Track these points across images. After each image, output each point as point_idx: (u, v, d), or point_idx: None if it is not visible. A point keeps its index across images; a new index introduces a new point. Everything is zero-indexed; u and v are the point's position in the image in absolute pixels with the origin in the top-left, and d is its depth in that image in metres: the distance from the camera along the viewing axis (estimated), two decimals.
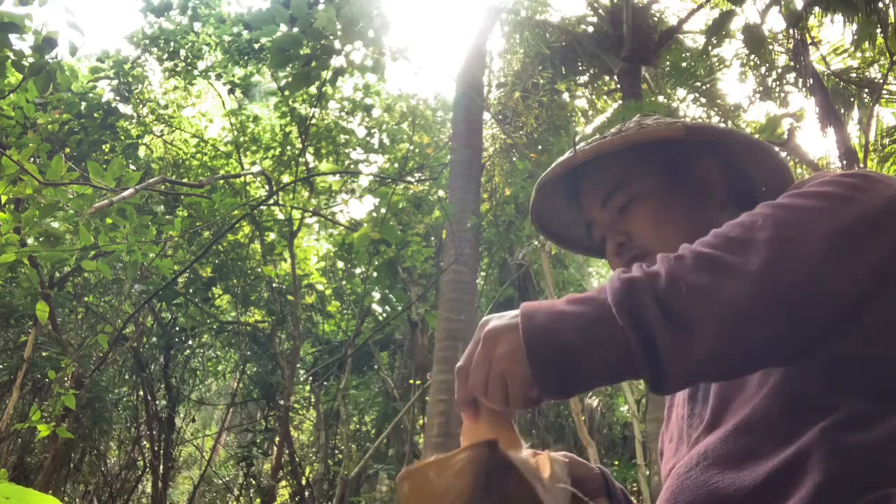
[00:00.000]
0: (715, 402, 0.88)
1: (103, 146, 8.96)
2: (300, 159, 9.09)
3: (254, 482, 11.33)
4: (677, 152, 1.04)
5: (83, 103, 8.70)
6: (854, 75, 7.46)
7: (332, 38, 4.34)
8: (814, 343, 0.70)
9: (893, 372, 0.76)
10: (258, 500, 10.95)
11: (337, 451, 10.65)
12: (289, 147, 9.70)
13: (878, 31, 5.79)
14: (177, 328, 10.26)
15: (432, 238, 9.74)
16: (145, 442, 10.59)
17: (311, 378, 10.54)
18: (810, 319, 0.68)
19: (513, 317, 0.73)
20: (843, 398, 0.75)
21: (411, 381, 8.99)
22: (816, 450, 0.73)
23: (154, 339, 10.50)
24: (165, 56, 9.33)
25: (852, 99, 7.45)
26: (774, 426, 0.78)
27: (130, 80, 9.27)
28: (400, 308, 9.70)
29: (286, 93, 8.24)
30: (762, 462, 0.77)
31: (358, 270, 9.84)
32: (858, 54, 7.21)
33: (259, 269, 9.65)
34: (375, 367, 10.48)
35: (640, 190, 1.03)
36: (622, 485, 1.04)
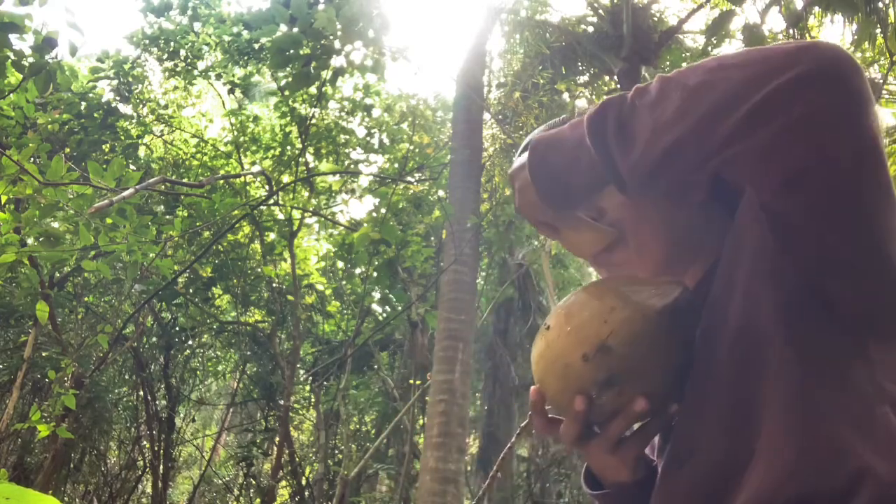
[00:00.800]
0: (693, 396, 0.88)
1: (103, 146, 8.95)
2: (300, 159, 9.09)
3: (254, 482, 11.33)
4: None
5: (83, 103, 8.70)
6: None
7: (332, 38, 4.34)
8: (710, 151, 0.76)
9: (846, 301, 0.76)
10: (258, 500, 10.95)
11: (337, 451, 10.65)
12: (289, 147, 9.70)
13: (878, 31, 5.79)
14: (177, 328, 10.26)
15: (432, 238, 9.74)
16: (145, 442, 10.58)
17: (311, 378, 10.54)
18: (708, 131, 0.75)
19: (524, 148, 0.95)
20: (810, 360, 0.75)
21: (411, 381, 8.99)
22: (782, 430, 0.73)
23: (154, 339, 10.49)
24: (165, 56, 9.33)
25: None
26: (750, 414, 0.77)
27: (130, 80, 9.27)
28: (400, 308, 9.70)
29: (286, 93, 8.24)
30: (744, 454, 0.76)
31: (358, 270, 9.84)
32: (858, 54, 7.20)
33: (259, 269, 9.65)
34: (375, 367, 10.49)
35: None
36: None
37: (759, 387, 0.77)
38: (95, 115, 8.78)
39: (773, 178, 0.75)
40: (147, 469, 10.63)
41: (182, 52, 9.30)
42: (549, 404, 0.89)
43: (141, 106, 9.55)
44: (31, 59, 3.71)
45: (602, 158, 0.81)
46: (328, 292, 11.18)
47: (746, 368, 0.79)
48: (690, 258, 0.97)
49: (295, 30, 4.38)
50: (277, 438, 9.21)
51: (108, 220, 3.94)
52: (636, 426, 0.89)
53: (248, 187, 9.12)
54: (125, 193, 3.65)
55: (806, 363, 0.75)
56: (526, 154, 0.90)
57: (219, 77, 9.51)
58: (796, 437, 0.71)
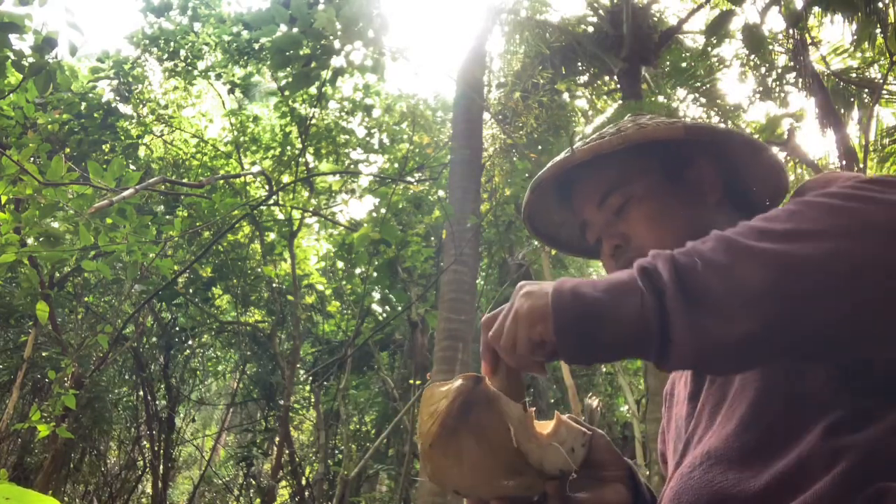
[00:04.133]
0: (716, 400, 0.88)
1: (103, 146, 8.95)
2: (300, 159, 9.09)
3: (254, 482, 11.33)
4: (673, 152, 1.03)
5: (83, 103, 8.70)
6: (854, 75, 7.46)
7: (332, 38, 4.34)
8: (817, 343, 0.69)
9: (891, 369, 0.76)
10: (258, 500, 10.95)
11: (337, 451, 10.65)
12: (289, 147, 9.70)
13: (878, 31, 5.79)
14: (177, 328, 10.26)
15: (432, 238, 9.74)
16: (145, 442, 10.58)
17: (311, 378, 10.54)
18: (817, 315, 0.66)
19: (549, 284, 0.78)
20: (845, 396, 0.75)
21: (411, 381, 8.99)
22: (819, 450, 0.73)
23: (154, 339, 10.49)
24: (165, 56, 9.33)
25: (852, 99, 7.45)
26: (777, 425, 0.79)
27: (130, 80, 9.27)
28: (400, 308, 9.70)
29: (286, 93, 8.24)
30: (766, 462, 0.77)
31: (358, 270, 9.84)
32: (858, 54, 7.21)
33: (259, 269, 9.65)
34: (375, 367, 10.48)
35: (637, 191, 1.02)
36: None
37: (794, 414, 0.78)
38: (95, 115, 8.79)
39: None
40: (147, 469, 10.63)
41: (182, 52, 9.30)
42: None
43: (141, 106, 9.55)
44: (31, 59, 3.71)
45: (660, 323, 0.68)
46: (328, 292, 11.18)
47: (782, 396, 0.80)
48: None
49: (295, 30, 4.38)
50: (277, 438, 9.21)
51: (108, 220, 3.94)
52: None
53: (248, 187, 9.12)
54: (125, 193, 3.65)
55: (847, 401, 0.75)
56: (543, 293, 0.76)
57: (219, 77, 9.51)
58: (832, 467, 0.71)
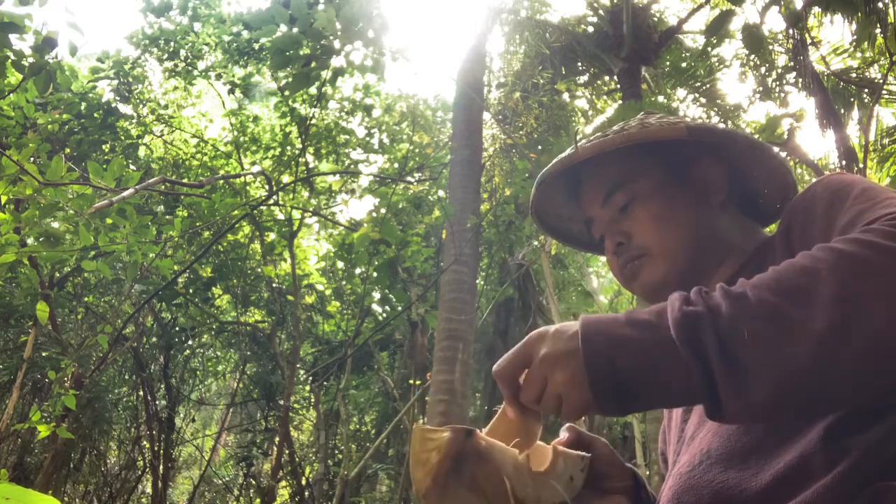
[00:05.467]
0: None
1: (103, 146, 8.95)
2: (300, 159, 9.09)
3: (254, 482, 11.33)
4: (679, 152, 1.03)
5: (83, 103, 8.70)
6: (854, 75, 7.46)
7: (331, 38, 4.34)
8: (871, 405, 0.70)
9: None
10: (258, 500, 10.95)
11: (337, 451, 10.65)
12: (289, 147, 9.70)
13: (878, 31, 5.79)
14: (177, 328, 10.26)
15: (432, 238, 9.74)
16: (145, 442, 10.58)
17: (311, 378, 10.54)
18: (872, 387, 0.66)
19: (570, 337, 0.74)
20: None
21: (411, 381, 8.99)
22: (820, 450, 0.73)
23: (154, 339, 10.49)
24: (165, 56, 9.33)
25: (852, 99, 7.45)
26: (773, 424, 0.79)
27: (130, 80, 9.27)
28: (400, 308, 9.70)
29: (286, 93, 8.24)
30: (766, 461, 0.77)
31: (358, 270, 9.84)
32: (858, 54, 7.21)
33: (259, 269, 9.65)
34: (375, 367, 10.48)
35: (641, 190, 1.03)
36: None
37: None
38: (95, 115, 8.78)
39: None
40: (147, 469, 10.63)
41: (182, 53, 9.30)
42: None
43: (141, 106, 9.55)
44: (31, 59, 3.70)
45: (704, 385, 0.67)
46: (328, 292, 11.18)
47: None
48: (720, 257, 0.99)
49: (295, 30, 4.37)
50: (277, 438, 9.21)
51: (108, 220, 3.94)
52: None
53: (248, 187, 9.12)
54: (125, 193, 3.65)
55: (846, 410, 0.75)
56: (568, 339, 0.75)
57: (219, 77, 9.50)
58: (833, 466, 0.72)
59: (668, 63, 9.11)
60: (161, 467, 9.78)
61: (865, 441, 0.72)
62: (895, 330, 0.63)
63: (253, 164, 10.02)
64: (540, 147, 8.35)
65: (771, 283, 0.69)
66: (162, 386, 10.38)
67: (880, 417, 0.73)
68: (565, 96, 9.47)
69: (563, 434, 0.96)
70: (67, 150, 8.24)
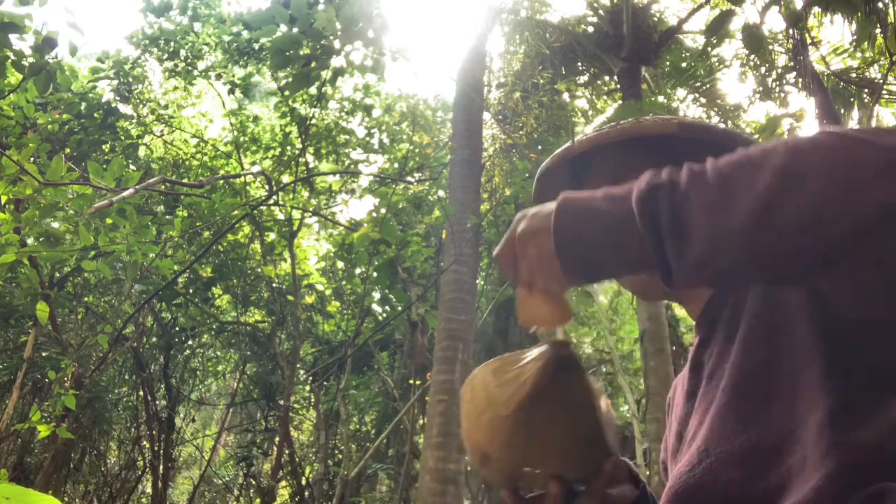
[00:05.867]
0: (713, 398, 0.88)
1: (103, 146, 8.95)
2: (300, 159, 9.09)
3: (254, 482, 11.33)
4: (673, 150, 1.04)
5: (83, 103, 8.70)
6: (854, 75, 7.46)
7: (331, 38, 4.34)
8: (800, 270, 0.72)
9: (886, 354, 0.76)
10: (258, 500, 10.95)
11: (337, 451, 10.65)
12: (289, 147, 9.70)
13: (878, 31, 5.78)
14: (177, 328, 10.26)
15: (432, 238, 9.74)
16: (145, 442, 10.58)
17: (311, 378, 10.54)
18: (800, 249, 0.69)
19: (546, 214, 0.81)
20: (841, 391, 0.76)
21: (411, 381, 8.99)
22: (818, 448, 0.73)
23: (154, 339, 10.49)
24: (165, 56, 9.33)
25: (852, 99, 7.45)
26: (774, 423, 0.79)
27: (130, 80, 9.27)
28: (400, 308, 9.70)
29: (286, 93, 8.24)
30: (765, 460, 0.77)
31: (358, 270, 9.84)
32: (858, 54, 7.20)
33: (259, 269, 9.65)
34: (375, 367, 10.48)
35: None
36: None
37: (788, 408, 0.78)
38: (95, 115, 8.78)
39: (844, 293, 0.76)
40: (147, 469, 10.63)
41: (182, 53, 9.30)
42: None
43: (141, 106, 9.55)
44: (31, 59, 3.71)
45: (655, 251, 0.73)
46: (328, 292, 11.18)
47: (776, 389, 0.80)
48: None
49: (295, 30, 4.38)
50: (277, 438, 9.21)
51: (108, 220, 3.94)
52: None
53: (248, 187, 9.12)
54: (125, 193, 3.65)
55: (841, 394, 0.75)
56: (544, 216, 0.81)
57: (219, 77, 9.50)
58: (828, 461, 0.72)
59: (668, 63, 9.11)
60: (161, 467, 9.78)
61: (863, 437, 0.72)
62: (827, 203, 0.66)
63: (253, 164, 10.02)
64: (540, 147, 8.36)
65: (731, 158, 0.73)
66: (162, 386, 10.38)
67: (878, 413, 0.73)
68: (565, 96, 9.47)
69: None
70: (67, 150, 8.24)
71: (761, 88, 8.11)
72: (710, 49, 8.57)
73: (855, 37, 6.20)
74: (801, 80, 6.91)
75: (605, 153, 1.05)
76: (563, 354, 0.82)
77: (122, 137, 9.03)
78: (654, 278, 0.77)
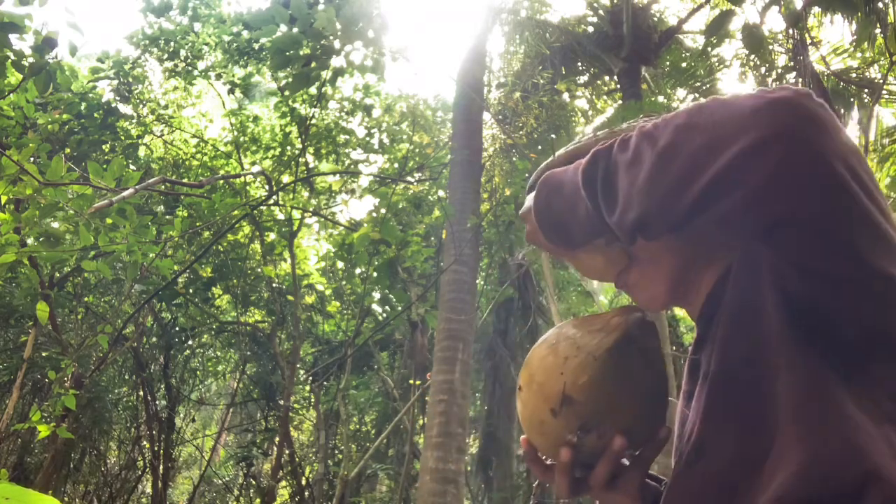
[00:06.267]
0: (702, 398, 0.89)
1: (103, 146, 8.95)
2: (300, 159, 9.09)
3: (254, 482, 11.33)
4: None
5: (83, 103, 8.70)
6: (854, 75, 7.46)
7: (331, 38, 4.34)
8: (676, 222, 0.80)
9: (844, 313, 0.77)
10: (258, 500, 10.95)
11: (337, 451, 10.65)
12: (289, 147, 9.70)
13: (878, 31, 5.78)
14: (177, 328, 10.26)
15: (432, 238, 9.74)
16: (145, 442, 10.58)
17: (311, 378, 10.54)
18: (688, 195, 0.76)
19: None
20: (813, 375, 0.76)
21: (411, 381, 8.99)
22: (792, 437, 0.73)
23: (154, 339, 10.49)
24: (165, 56, 9.33)
25: (852, 99, 7.45)
26: (754, 415, 0.79)
27: (130, 80, 9.27)
28: (400, 308, 9.70)
29: (286, 93, 8.24)
30: (747, 455, 0.78)
31: (358, 270, 9.84)
32: (858, 54, 7.21)
33: (259, 269, 9.65)
34: (375, 367, 10.49)
35: None
36: None
37: (770, 396, 0.78)
38: (95, 115, 8.78)
39: (746, 232, 0.82)
40: (147, 469, 10.63)
41: (182, 53, 9.30)
42: (542, 455, 0.95)
43: (141, 106, 9.55)
44: (31, 59, 3.71)
45: (595, 211, 0.85)
46: (328, 292, 11.18)
47: (757, 378, 0.81)
48: (703, 266, 0.98)
49: (295, 30, 4.38)
50: (277, 438, 9.21)
51: (108, 220, 3.94)
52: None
53: (248, 187, 9.12)
54: (125, 193, 3.65)
55: (813, 377, 0.76)
56: (532, 195, 0.94)
57: (219, 77, 9.50)
58: (806, 444, 0.72)
59: (668, 63, 9.11)
60: (161, 467, 9.78)
61: (843, 418, 0.72)
62: (707, 150, 0.74)
63: (253, 164, 10.02)
64: (540, 147, 8.36)
65: (654, 121, 0.83)
66: (162, 386, 10.38)
67: (854, 401, 0.73)
68: (565, 96, 9.47)
69: None
70: (67, 150, 8.24)
71: (761, 88, 8.10)
72: (710, 49, 8.57)
73: (855, 37, 6.20)
74: (801, 80, 6.91)
75: None
76: (641, 313, 0.90)
77: (122, 137, 9.03)
78: (603, 257, 0.95)
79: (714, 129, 0.75)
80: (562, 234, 0.92)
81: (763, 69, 8.04)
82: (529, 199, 0.97)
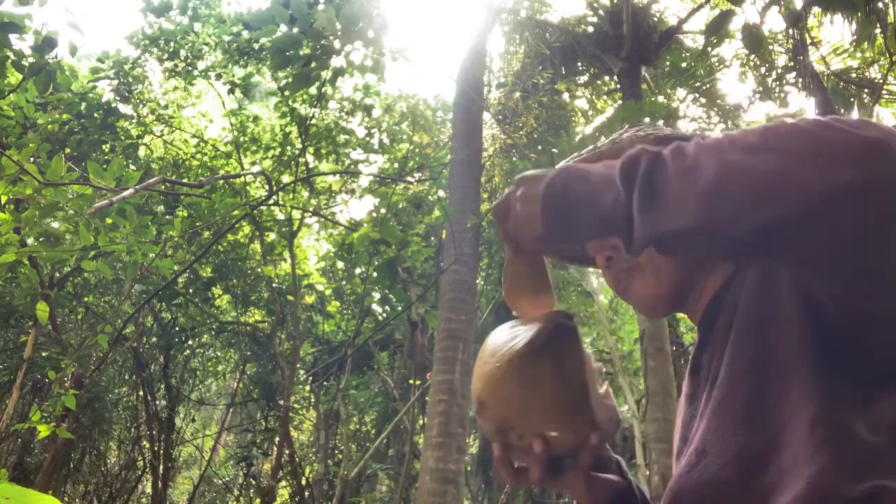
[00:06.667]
0: (709, 399, 0.89)
1: (103, 146, 8.95)
2: (300, 159, 9.09)
3: (254, 482, 11.33)
4: None
5: (83, 103, 8.69)
6: (854, 75, 7.46)
7: (331, 38, 4.34)
8: (754, 241, 0.73)
9: (879, 347, 0.76)
10: (258, 500, 10.95)
11: (337, 451, 10.65)
12: (289, 147, 9.69)
13: (878, 31, 5.78)
14: (177, 328, 10.26)
15: (432, 238, 9.74)
16: (145, 442, 10.58)
17: (311, 378, 10.54)
18: (759, 218, 0.70)
19: (545, 175, 0.87)
20: (830, 382, 0.76)
21: (411, 381, 8.99)
22: (807, 443, 0.73)
23: (154, 339, 10.49)
24: (165, 56, 9.32)
25: (852, 99, 7.45)
26: (764, 418, 0.79)
27: (130, 80, 9.26)
28: (400, 308, 9.70)
29: (286, 93, 8.24)
30: (755, 457, 0.78)
31: (358, 270, 9.84)
32: (858, 54, 7.21)
33: (259, 269, 9.65)
34: (375, 367, 10.48)
35: None
36: None
37: (778, 407, 0.79)
38: (95, 115, 8.78)
39: (790, 263, 0.79)
40: (147, 469, 10.63)
41: (182, 53, 9.30)
42: None
43: (141, 106, 9.54)
44: (31, 59, 3.70)
45: (625, 206, 0.77)
46: (328, 292, 11.18)
47: (766, 387, 0.81)
48: (706, 273, 0.99)
49: (295, 30, 4.38)
50: (277, 438, 9.21)
51: (108, 220, 3.94)
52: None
53: (248, 187, 9.12)
54: (125, 193, 3.65)
55: (831, 396, 0.75)
56: (539, 178, 0.86)
57: (219, 77, 9.50)
58: (818, 460, 0.72)
59: (668, 63, 9.11)
60: (161, 467, 9.78)
61: (856, 434, 0.72)
62: (783, 176, 0.68)
63: (253, 164, 10.02)
64: (540, 147, 8.35)
65: (715, 136, 0.78)
66: (162, 386, 10.38)
67: (871, 408, 0.73)
68: (565, 96, 9.47)
69: None
70: (67, 150, 8.24)
71: (761, 88, 8.12)
72: (710, 49, 8.58)
73: (855, 37, 6.21)
74: (801, 80, 6.92)
75: None
76: (561, 322, 0.87)
77: (122, 137, 9.03)
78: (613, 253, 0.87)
79: (795, 157, 0.68)
80: (566, 223, 0.84)
81: (763, 69, 8.05)
82: (531, 185, 0.87)
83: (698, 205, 0.71)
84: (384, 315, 10.59)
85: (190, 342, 10.65)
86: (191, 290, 9.47)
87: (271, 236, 9.79)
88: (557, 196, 0.83)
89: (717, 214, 0.71)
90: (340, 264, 10.34)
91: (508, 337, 0.89)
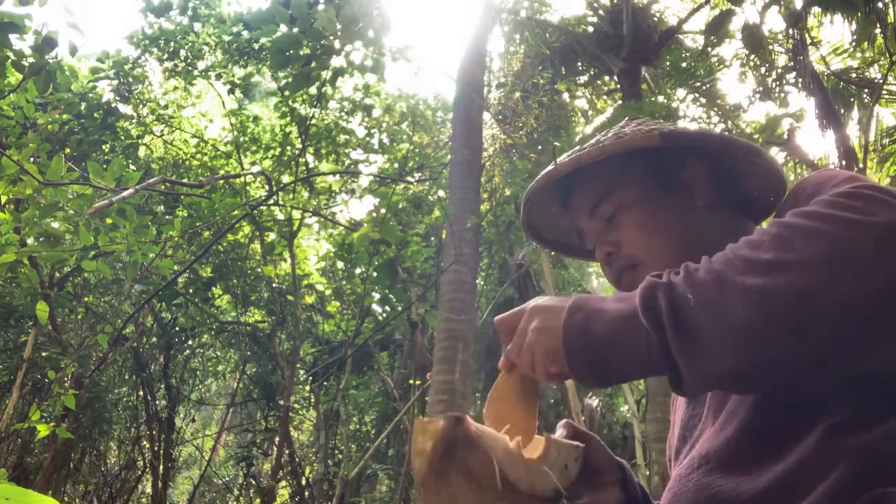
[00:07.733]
0: (714, 402, 0.88)
1: (103, 146, 8.95)
2: (300, 159, 9.08)
3: (254, 482, 11.33)
4: (660, 158, 1.03)
5: (83, 103, 8.69)
6: (854, 75, 7.47)
7: (332, 38, 4.34)
8: (816, 365, 0.70)
9: (892, 374, 0.76)
10: (258, 500, 10.95)
11: (337, 451, 10.65)
12: (289, 147, 9.69)
13: (878, 31, 5.79)
14: (177, 328, 10.26)
15: (432, 238, 9.74)
16: (145, 442, 10.58)
17: (311, 378, 10.54)
18: (807, 341, 0.68)
19: (561, 303, 0.82)
20: (846, 399, 0.75)
21: (411, 381, 8.99)
22: (819, 453, 0.73)
23: (154, 339, 10.49)
24: (165, 56, 9.33)
25: (852, 99, 7.45)
26: (776, 428, 0.79)
27: (130, 80, 9.26)
28: (400, 308, 9.70)
29: (286, 93, 8.24)
30: (765, 465, 0.77)
31: (358, 270, 9.83)
32: (858, 54, 7.21)
33: (259, 269, 9.65)
34: (375, 367, 10.48)
35: (626, 199, 1.03)
36: None
37: (790, 417, 0.78)
38: (95, 115, 8.78)
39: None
40: (147, 469, 10.63)
41: (182, 53, 9.30)
42: None
43: (141, 106, 9.54)
44: (31, 59, 3.70)
45: (660, 346, 0.72)
46: (328, 292, 11.18)
47: (777, 395, 0.80)
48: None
49: (295, 30, 4.38)
50: (277, 438, 9.21)
51: (108, 220, 3.94)
52: None
53: (248, 187, 9.12)
54: (125, 193, 3.65)
55: (849, 412, 0.75)
56: (555, 311, 0.81)
57: (219, 77, 9.50)
58: (828, 469, 0.72)
59: (668, 63, 9.11)
60: (161, 467, 9.78)
61: (865, 444, 0.72)
62: (823, 287, 0.66)
63: (253, 164, 10.02)
64: (540, 147, 8.35)
65: (720, 256, 0.74)
66: (162, 386, 10.38)
67: (881, 421, 0.73)
68: (565, 96, 9.48)
69: (559, 430, 0.98)
70: (67, 150, 8.24)
71: (761, 88, 8.12)
72: (710, 49, 8.58)
73: (855, 37, 6.21)
74: (801, 80, 6.92)
75: (592, 169, 1.03)
76: (454, 434, 0.80)
77: (122, 137, 9.03)
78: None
79: (818, 272, 0.67)
80: (598, 368, 0.77)
81: (763, 69, 8.05)
82: (544, 315, 0.82)
83: (741, 345, 0.68)
84: (384, 315, 10.58)
85: (190, 342, 10.65)
86: (191, 290, 9.47)
87: (271, 236, 9.79)
88: (578, 339, 0.78)
89: (763, 351, 0.68)
90: (340, 264, 10.34)
91: (418, 449, 0.82)
